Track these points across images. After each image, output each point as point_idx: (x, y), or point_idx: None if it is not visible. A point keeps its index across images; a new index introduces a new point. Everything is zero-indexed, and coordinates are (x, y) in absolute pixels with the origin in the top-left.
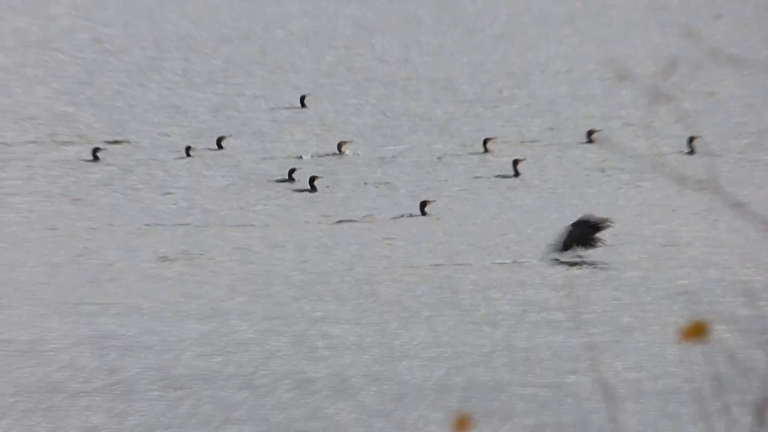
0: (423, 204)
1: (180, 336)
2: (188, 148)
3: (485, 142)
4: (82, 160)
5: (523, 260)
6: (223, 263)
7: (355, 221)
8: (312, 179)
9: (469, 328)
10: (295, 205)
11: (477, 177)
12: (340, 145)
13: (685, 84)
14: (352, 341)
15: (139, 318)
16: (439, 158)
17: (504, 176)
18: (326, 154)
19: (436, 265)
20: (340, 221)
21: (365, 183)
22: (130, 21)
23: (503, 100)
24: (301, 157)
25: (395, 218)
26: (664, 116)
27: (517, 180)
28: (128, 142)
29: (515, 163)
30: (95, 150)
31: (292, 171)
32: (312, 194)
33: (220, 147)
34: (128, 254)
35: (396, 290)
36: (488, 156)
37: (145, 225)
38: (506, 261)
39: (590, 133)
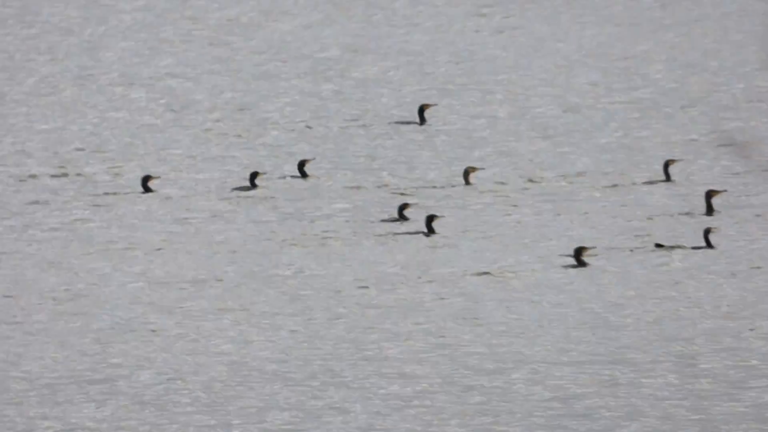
0: (579, 251)
1: None
2: (254, 176)
3: (666, 165)
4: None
5: None
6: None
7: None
8: (430, 219)
9: None
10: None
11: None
12: (467, 172)
13: None
14: None
15: None
16: (614, 186)
17: (693, 213)
18: (445, 185)
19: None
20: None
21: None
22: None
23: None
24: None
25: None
26: None
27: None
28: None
29: (709, 196)
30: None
31: (403, 207)
32: (428, 238)
33: (302, 174)
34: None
35: None
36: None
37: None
38: None
39: None
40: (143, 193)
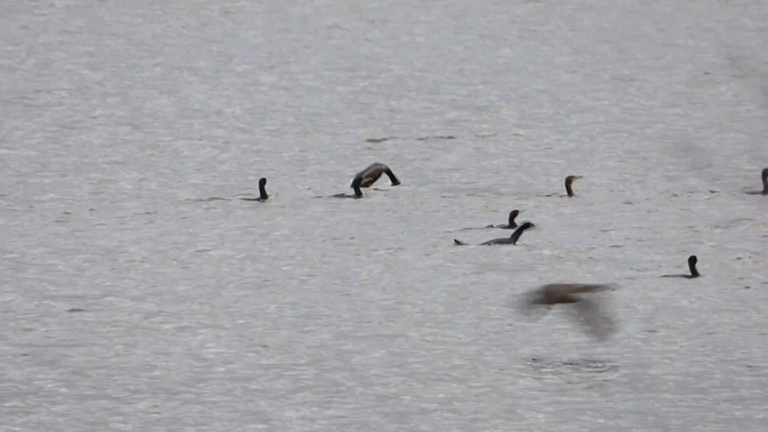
0: (692, 260)
1: None
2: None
3: (765, 174)
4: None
5: None
6: None
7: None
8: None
9: None
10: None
11: None
12: (568, 182)
13: None
14: None
15: None
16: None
17: None
18: (548, 194)
19: None
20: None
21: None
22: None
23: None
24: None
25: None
26: None
27: None
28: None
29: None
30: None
31: (514, 214)
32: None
33: (394, 181)
34: None
35: None
36: None
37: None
38: None
39: None
40: (261, 198)
